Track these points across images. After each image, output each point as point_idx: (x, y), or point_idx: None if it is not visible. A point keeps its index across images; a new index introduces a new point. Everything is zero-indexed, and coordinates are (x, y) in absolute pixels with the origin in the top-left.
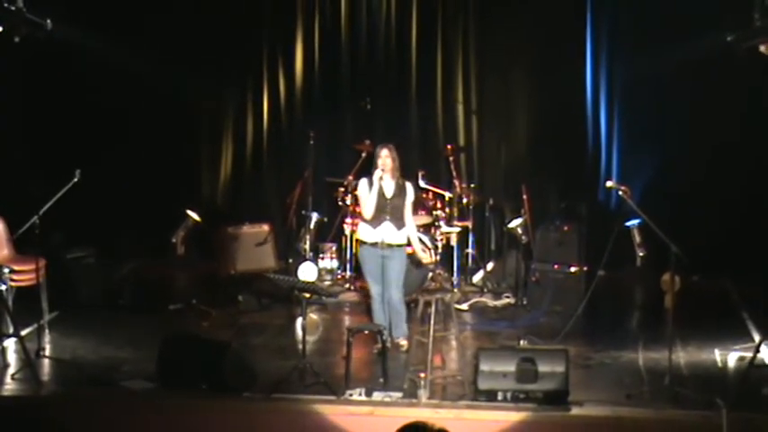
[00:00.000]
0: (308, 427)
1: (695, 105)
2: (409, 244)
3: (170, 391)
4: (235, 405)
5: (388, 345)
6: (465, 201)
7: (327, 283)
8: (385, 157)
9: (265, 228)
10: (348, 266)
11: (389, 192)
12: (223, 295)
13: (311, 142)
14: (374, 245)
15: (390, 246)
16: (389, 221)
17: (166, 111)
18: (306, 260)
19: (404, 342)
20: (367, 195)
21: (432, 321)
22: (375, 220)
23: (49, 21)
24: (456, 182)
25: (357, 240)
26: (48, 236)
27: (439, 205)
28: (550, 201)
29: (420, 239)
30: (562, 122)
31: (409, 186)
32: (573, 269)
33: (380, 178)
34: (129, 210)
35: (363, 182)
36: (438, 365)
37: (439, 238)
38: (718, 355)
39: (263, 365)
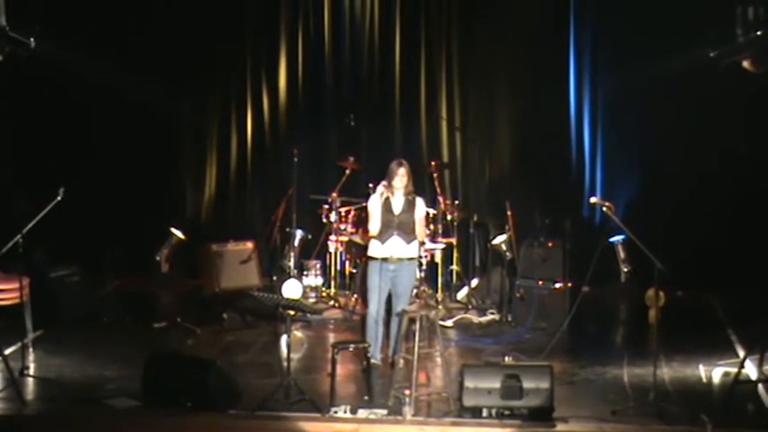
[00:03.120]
0: None
1: (679, 121)
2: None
3: (155, 409)
4: (220, 423)
5: (377, 362)
6: (449, 217)
7: (312, 300)
8: (402, 176)
9: (249, 245)
10: (333, 284)
11: (398, 208)
12: (208, 313)
13: (295, 159)
14: (384, 260)
15: (401, 260)
16: (397, 236)
17: (150, 128)
18: (290, 277)
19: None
20: (375, 211)
21: (416, 338)
22: (383, 236)
23: (32, 39)
24: (440, 198)
25: (368, 256)
26: (31, 254)
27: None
28: (534, 217)
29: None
30: (546, 139)
31: (419, 201)
32: (557, 285)
33: (382, 194)
34: (113, 228)
35: (374, 198)
36: (423, 382)
37: (423, 254)
38: (702, 370)
39: (247, 383)
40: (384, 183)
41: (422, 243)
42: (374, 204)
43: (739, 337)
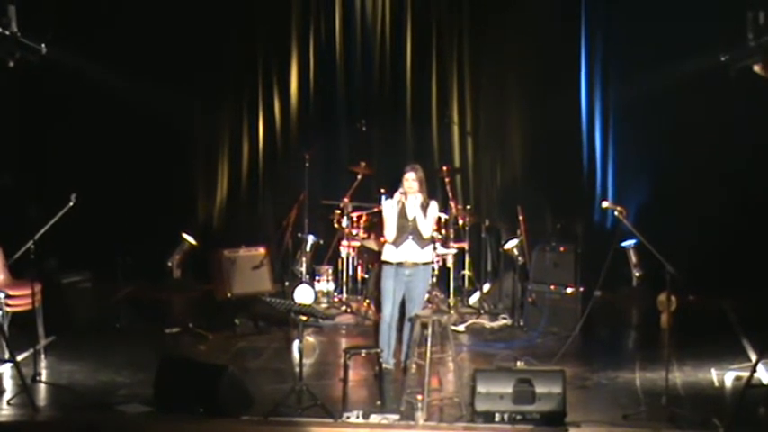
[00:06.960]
0: None
1: (690, 126)
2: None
3: (167, 414)
4: (232, 428)
5: (389, 366)
6: (461, 222)
7: (324, 305)
8: (411, 181)
9: (261, 251)
10: (345, 289)
11: (412, 213)
12: (219, 318)
13: (307, 164)
14: (399, 265)
15: (416, 264)
16: (412, 241)
17: (161, 133)
18: (302, 283)
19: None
20: (390, 216)
21: (428, 343)
22: (397, 241)
23: (43, 45)
24: (452, 203)
25: (382, 261)
26: (43, 260)
27: (435, 227)
28: (546, 222)
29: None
30: (557, 143)
31: (433, 204)
32: (569, 290)
33: (399, 201)
34: (125, 233)
35: (388, 203)
36: (435, 387)
37: (435, 259)
38: (714, 374)
39: (259, 388)
40: (401, 189)
41: (431, 239)
42: (389, 210)
43: (751, 342)
